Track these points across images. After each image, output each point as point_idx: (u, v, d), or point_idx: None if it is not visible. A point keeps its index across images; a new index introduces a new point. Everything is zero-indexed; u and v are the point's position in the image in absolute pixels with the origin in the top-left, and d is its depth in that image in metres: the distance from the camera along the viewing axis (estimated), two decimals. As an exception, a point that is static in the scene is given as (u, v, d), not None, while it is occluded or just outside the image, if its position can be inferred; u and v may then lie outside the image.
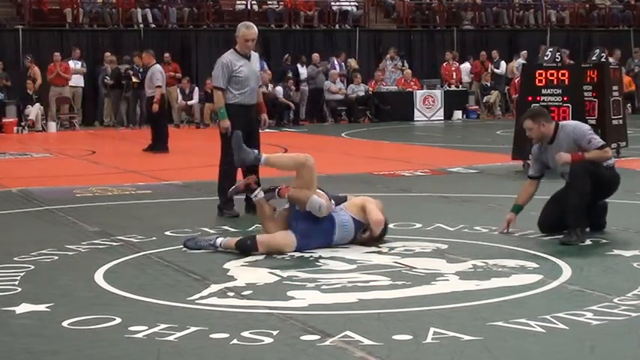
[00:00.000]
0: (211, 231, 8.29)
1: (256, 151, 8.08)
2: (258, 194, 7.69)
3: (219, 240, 7.49)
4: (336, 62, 26.94)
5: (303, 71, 26.76)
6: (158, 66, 17.92)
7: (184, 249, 7.56)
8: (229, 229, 8.51)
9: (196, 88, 25.28)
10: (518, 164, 13.24)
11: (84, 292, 6.16)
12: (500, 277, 6.36)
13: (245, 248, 7.31)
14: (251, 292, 6.04)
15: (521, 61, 26.52)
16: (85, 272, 6.71)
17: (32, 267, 6.93)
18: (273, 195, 7.65)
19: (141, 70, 24.30)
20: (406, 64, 27.84)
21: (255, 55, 9.70)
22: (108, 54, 25.32)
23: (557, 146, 7.96)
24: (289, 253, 7.26)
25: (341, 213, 7.63)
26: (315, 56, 26.93)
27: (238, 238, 7.50)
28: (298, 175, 7.58)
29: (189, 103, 25.18)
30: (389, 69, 27.39)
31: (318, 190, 7.53)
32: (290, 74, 25.89)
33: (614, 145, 14.60)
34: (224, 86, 9.37)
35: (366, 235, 7.72)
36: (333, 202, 7.64)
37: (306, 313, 5.49)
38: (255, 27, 9.59)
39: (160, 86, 17.40)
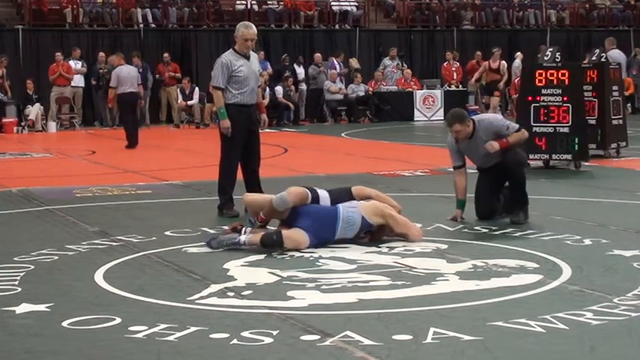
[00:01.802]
0: (211, 231, 8.29)
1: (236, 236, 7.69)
2: (247, 231, 7.65)
3: (243, 238, 7.47)
4: (335, 62, 26.93)
5: (300, 71, 26.75)
6: (119, 68, 18.81)
7: (206, 248, 7.51)
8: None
9: (196, 88, 25.26)
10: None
11: (84, 292, 6.16)
12: (500, 277, 6.36)
13: (271, 243, 7.34)
14: (251, 292, 6.04)
15: (519, 61, 26.51)
16: (85, 272, 6.71)
17: (32, 267, 6.93)
18: (255, 223, 7.79)
19: (140, 70, 24.31)
20: (405, 65, 27.83)
21: (254, 55, 9.70)
22: (102, 54, 25.27)
23: (476, 139, 8.62)
24: (289, 253, 7.27)
25: (350, 210, 7.65)
26: (318, 56, 26.92)
27: (262, 233, 7.50)
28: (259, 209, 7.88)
29: (189, 103, 25.17)
30: (389, 69, 27.37)
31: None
32: (287, 74, 25.87)
33: (614, 145, 14.63)
34: (223, 86, 9.37)
35: (367, 238, 7.79)
36: (322, 191, 7.81)
37: (306, 313, 5.48)
38: (254, 27, 9.59)
39: (113, 87, 18.62)
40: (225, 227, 8.06)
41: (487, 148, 8.54)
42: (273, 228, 7.77)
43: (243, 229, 7.64)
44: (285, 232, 7.43)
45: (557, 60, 13.52)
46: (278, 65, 26.55)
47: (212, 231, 8.27)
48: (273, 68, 26.17)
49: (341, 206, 7.68)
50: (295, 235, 7.42)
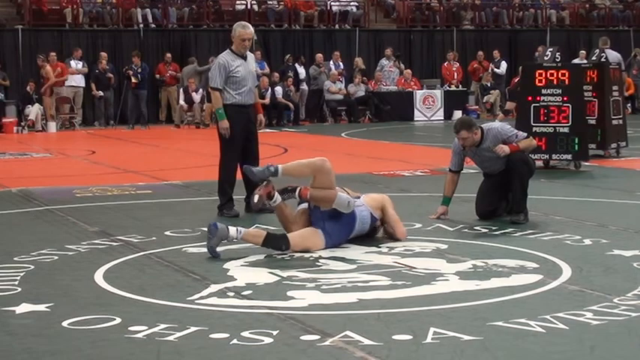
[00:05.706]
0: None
1: (270, 166, 7.53)
2: (277, 199, 7.46)
3: (233, 233, 7.15)
4: (331, 62, 26.94)
5: (301, 71, 26.76)
6: None
7: (209, 255, 7.35)
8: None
9: (199, 89, 25.25)
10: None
11: (84, 292, 6.15)
12: (500, 277, 6.36)
13: (277, 247, 7.22)
14: (251, 292, 6.04)
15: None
16: (85, 272, 6.71)
17: (32, 267, 6.92)
18: (293, 195, 7.50)
19: (139, 70, 24.32)
20: (402, 65, 27.81)
21: (251, 56, 9.70)
22: (103, 54, 25.28)
23: (484, 147, 8.77)
24: (289, 253, 7.26)
25: (362, 208, 7.68)
26: (319, 57, 26.93)
27: (264, 233, 7.30)
28: (317, 179, 7.49)
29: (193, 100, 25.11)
30: (386, 69, 27.37)
31: (337, 187, 7.54)
32: (290, 74, 25.90)
33: (614, 145, 14.63)
34: (221, 86, 9.37)
35: (379, 234, 7.86)
36: (354, 196, 7.72)
37: (306, 313, 5.48)
38: (251, 26, 9.59)
39: None
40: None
41: (497, 151, 8.65)
42: (272, 228, 7.76)
43: (276, 194, 7.37)
44: (294, 236, 7.29)
45: (557, 60, 13.52)
46: (282, 66, 26.58)
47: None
48: (278, 69, 26.18)
49: (355, 208, 7.62)
50: (309, 238, 7.34)
